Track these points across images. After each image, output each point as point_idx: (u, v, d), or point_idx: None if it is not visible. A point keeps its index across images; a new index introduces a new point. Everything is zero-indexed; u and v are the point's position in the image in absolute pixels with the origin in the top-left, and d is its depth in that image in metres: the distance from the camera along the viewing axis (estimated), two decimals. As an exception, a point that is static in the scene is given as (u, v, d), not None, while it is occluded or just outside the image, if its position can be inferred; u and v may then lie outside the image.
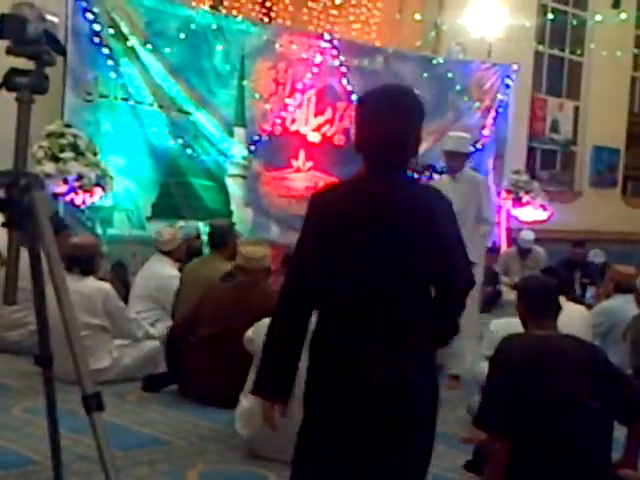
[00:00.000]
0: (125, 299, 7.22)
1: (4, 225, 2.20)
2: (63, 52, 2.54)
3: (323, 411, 3.06)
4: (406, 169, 3.15)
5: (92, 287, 6.34)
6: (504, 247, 13.50)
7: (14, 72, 2.30)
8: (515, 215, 13.71)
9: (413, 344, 2.94)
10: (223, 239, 7.05)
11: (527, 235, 12.05)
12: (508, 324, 5.52)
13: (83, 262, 6.34)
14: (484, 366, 5.56)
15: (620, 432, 4.65)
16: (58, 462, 2.68)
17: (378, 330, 2.92)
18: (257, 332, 4.99)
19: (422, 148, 11.24)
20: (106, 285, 6.50)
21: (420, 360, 2.98)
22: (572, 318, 5.65)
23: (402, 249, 2.97)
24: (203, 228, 9.33)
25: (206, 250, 7.97)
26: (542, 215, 13.65)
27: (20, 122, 2.22)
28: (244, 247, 6.26)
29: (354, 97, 11.94)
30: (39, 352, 2.48)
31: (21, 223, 2.18)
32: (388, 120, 3.06)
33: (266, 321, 4.98)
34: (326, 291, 3.00)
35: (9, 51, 2.37)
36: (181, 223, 9.78)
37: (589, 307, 7.13)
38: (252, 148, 11.03)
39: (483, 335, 6.54)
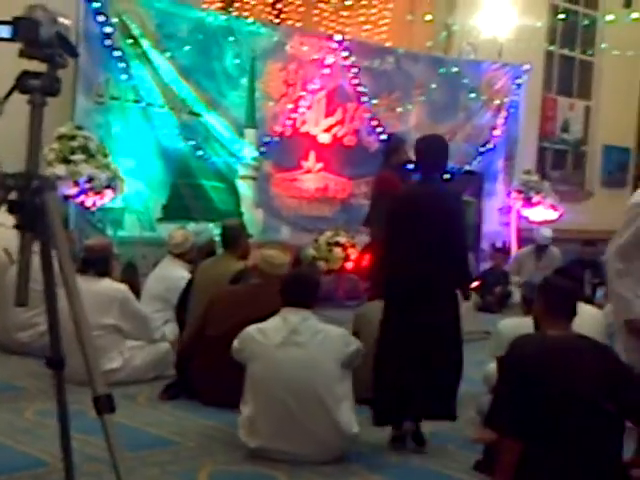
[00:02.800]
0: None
1: (16, 227, 2.21)
2: (75, 54, 2.54)
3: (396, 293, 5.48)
4: (438, 178, 5.79)
5: (109, 288, 6.38)
6: (514, 248, 13.48)
7: (26, 75, 2.30)
8: (525, 215, 13.68)
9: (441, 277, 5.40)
10: (235, 239, 7.06)
11: (546, 232, 12.09)
12: (516, 324, 5.52)
13: (98, 264, 6.38)
14: (494, 367, 5.56)
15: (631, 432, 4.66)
16: (70, 464, 2.68)
17: (420, 272, 5.36)
18: (243, 341, 5.02)
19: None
20: (124, 287, 6.52)
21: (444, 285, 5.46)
22: (585, 319, 5.62)
23: (428, 228, 5.44)
24: (215, 230, 9.35)
25: (219, 251, 7.98)
26: (553, 215, 13.61)
27: (32, 124, 2.22)
28: (266, 251, 6.27)
29: (364, 98, 11.96)
30: (50, 354, 2.48)
31: (33, 225, 2.18)
32: (423, 154, 5.74)
33: (248, 330, 5.01)
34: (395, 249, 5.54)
35: (22, 53, 2.37)
36: (192, 225, 9.80)
37: (599, 307, 7.10)
38: (263, 149, 11.03)
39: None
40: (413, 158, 7.55)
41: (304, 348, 4.82)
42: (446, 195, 5.82)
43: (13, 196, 2.22)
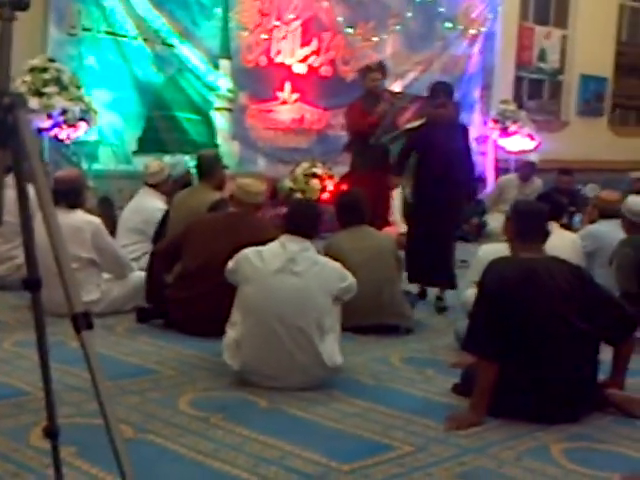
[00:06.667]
0: (112, 234, 7.18)
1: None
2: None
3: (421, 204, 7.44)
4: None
5: (81, 220, 6.27)
6: (490, 178, 13.49)
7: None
8: (502, 145, 13.68)
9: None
10: (211, 169, 7.02)
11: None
12: (495, 249, 5.54)
13: (69, 195, 6.26)
14: (472, 292, 5.60)
15: (607, 355, 4.71)
16: (49, 390, 2.67)
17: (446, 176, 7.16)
18: (238, 263, 4.99)
19: (409, 78, 11.22)
20: (96, 219, 6.43)
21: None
22: (563, 244, 5.69)
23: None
24: (190, 162, 9.30)
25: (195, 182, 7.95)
26: (529, 145, 13.62)
27: (2, 40, 2.17)
28: (242, 180, 6.25)
29: (340, 27, 11.85)
30: (27, 275, 2.46)
31: (5, 143, 2.15)
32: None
33: (246, 252, 5.00)
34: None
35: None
36: (167, 158, 9.75)
37: (577, 232, 7.17)
38: (238, 80, 10.93)
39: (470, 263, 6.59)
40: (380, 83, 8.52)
41: (300, 277, 4.81)
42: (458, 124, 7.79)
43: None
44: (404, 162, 7.69)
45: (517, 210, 4.76)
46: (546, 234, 4.61)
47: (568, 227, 7.61)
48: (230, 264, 5.02)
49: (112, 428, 2.20)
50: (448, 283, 7.29)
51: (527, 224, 4.60)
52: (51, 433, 2.69)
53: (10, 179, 2.25)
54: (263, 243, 5.08)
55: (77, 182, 6.52)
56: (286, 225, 5.07)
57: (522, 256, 4.55)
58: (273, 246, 4.98)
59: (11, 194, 2.26)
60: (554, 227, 5.81)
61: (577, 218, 9.94)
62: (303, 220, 5.06)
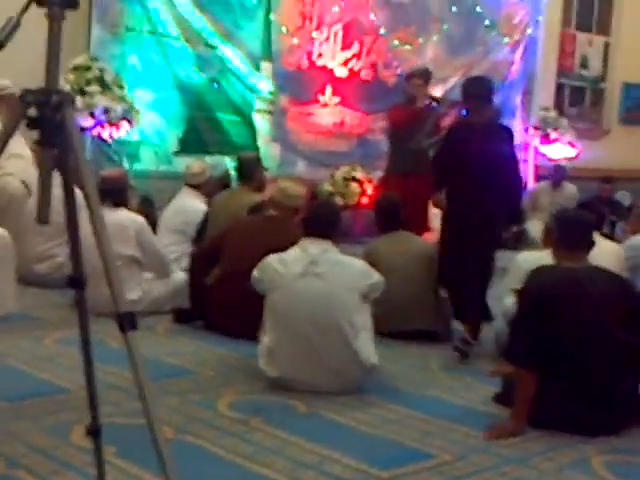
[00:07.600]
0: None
1: (37, 143, 2.18)
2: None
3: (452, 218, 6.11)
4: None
5: (126, 218, 6.34)
6: (531, 185, 13.40)
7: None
8: (543, 152, 13.58)
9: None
10: (251, 171, 7.04)
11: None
12: (535, 257, 5.49)
13: (114, 194, 6.33)
14: (512, 301, 5.55)
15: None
16: (93, 388, 2.67)
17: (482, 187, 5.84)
18: (263, 271, 4.99)
19: (450, 83, 11.17)
20: (140, 217, 6.50)
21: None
22: (605, 254, 5.61)
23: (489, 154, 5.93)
24: (230, 163, 9.32)
25: (235, 184, 7.96)
26: (570, 152, 13.51)
27: (51, 39, 2.17)
28: (282, 182, 6.26)
29: (381, 31, 11.81)
30: (72, 273, 2.46)
31: (53, 141, 2.15)
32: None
33: (269, 259, 4.99)
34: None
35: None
36: (208, 159, 9.76)
37: (620, 243, 7.07)
38: (279, 83, 10.93)
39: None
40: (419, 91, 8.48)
41: (323, 279, 4.81)
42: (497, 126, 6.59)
43: (33, 112, 2.19)
44: (440, 181, 6.28)
45: (562, 219, 4.72)
46: (591, 244, 4.56)
47: (611, 237, 7.51)
48: (255, 273, 5.02)
49: (155, 429, 2.19)
50: (481, 318, 6.12)
51: (573, 233, 4.55)
52: (94, 431, 2.69)
53: (55, 178, 2.24)
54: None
55: (122, 181, 6.61)
56: (306, 228, 5.06)
57: (565, 265, 4.50)
58: (295, 250, 4.97)
59: (54, 192, 2.25)
60: (596, 237, 5.75)
61: (619, 228, 9.83)
62: (321, 221, 5.07)
